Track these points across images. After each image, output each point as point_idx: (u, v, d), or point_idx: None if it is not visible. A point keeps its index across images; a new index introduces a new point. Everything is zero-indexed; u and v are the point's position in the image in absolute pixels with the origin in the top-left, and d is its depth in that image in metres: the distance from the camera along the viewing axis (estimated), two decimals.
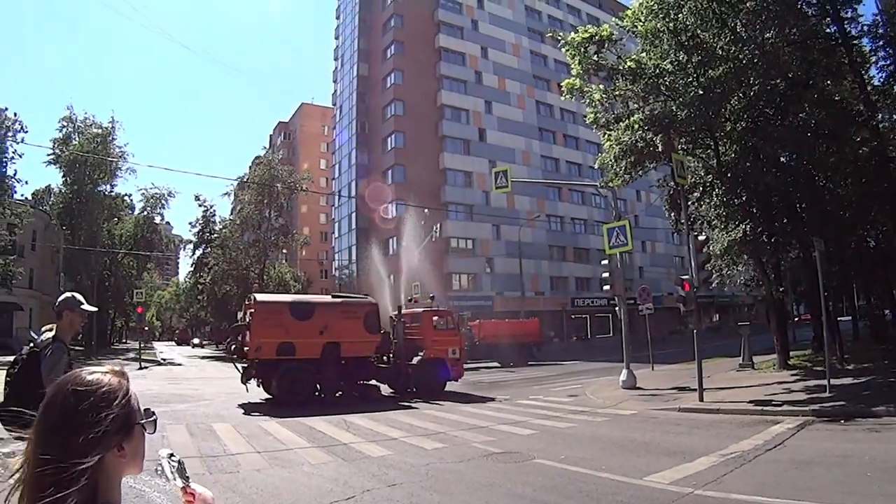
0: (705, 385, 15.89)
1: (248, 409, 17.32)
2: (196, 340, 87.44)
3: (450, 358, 21.67)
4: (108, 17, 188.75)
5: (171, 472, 2.03)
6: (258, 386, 19.16)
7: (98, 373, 1.57)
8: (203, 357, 54.99)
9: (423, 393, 20.36)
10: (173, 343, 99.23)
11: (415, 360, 21.06)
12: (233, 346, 20.38)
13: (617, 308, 22.98)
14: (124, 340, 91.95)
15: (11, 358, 4.93)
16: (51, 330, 4.81)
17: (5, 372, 4.67)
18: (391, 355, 21.18)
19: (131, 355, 40.43)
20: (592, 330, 62.67)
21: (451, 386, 21.96)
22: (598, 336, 60.46)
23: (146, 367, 36.56)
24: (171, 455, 2.17)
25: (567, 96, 24.01)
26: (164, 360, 47.70)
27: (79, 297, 4.96)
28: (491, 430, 13.19)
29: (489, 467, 9.80)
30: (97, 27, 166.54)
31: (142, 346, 42.58)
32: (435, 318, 22.29)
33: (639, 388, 19.49)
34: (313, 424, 14.03)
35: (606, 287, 22.18)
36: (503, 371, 33.38)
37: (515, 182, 26.11)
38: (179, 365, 42.81)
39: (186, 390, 23.69)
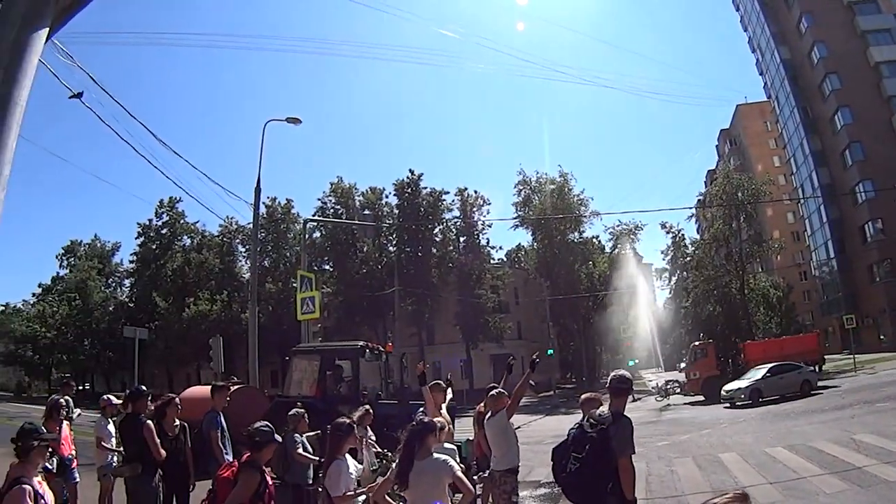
0: None
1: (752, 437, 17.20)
2: (682, 364, 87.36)
3: None
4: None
5: None
6: None
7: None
8: None
9: None
10: (660, 369, 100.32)
11: None
12: None
13: None
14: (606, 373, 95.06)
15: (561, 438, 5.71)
16: (600, 405, 5.64)
17: (561, 448, 5.30)
18: None
19: None
20: None
21: None
22: None
23: (638, 399, 37.01)
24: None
25: None
26: (654, 388, 48.34)
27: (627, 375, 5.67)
28: None
29: None
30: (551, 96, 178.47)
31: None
32: None
33: None
34: (822, 447, 13.39)
35: None
36: None
37: None
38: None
39: (685, 416, 24.39)
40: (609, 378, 5.39)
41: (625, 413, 5.19)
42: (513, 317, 56.42)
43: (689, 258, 57.91)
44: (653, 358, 48.65)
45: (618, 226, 58.40)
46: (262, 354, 24.61)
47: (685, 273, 58.79)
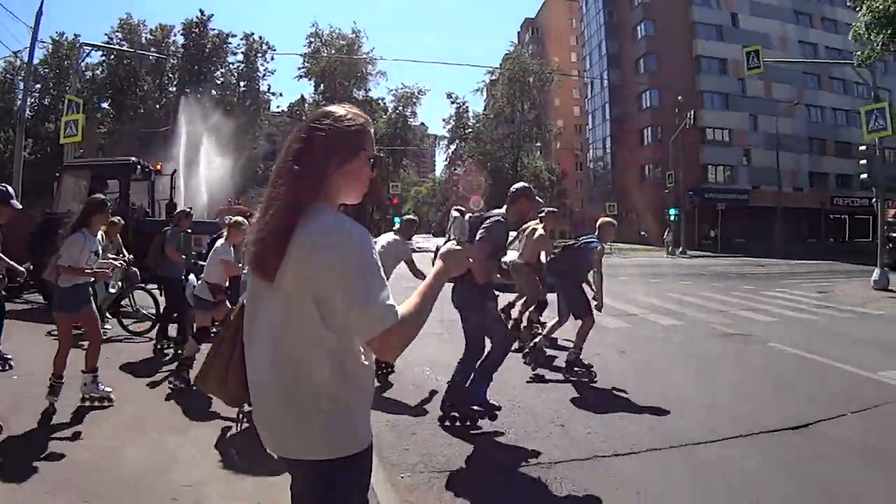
0: None
1: None
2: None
3: None
4: None
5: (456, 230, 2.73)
6: None
7: (346, 106, 1.84)
8: None
9: None
10: (430, 235, 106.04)
11: None
12: None
13: (874, 200, 21.75)
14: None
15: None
16: None
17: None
18: None
19: None
20: (851, 233, 55.53)
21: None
22: (857, 240, 52.58)
23: None
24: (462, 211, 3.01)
25: None
26: (419, 248, 51.41)
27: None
28: (730, 314, 13.33)
29: (721, 345, 10.04)
30: None
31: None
32: None
33: (891, 290, 18.12)
34: None
35: (864, 175, 20.06)
36: (752, 265, 32.18)
37: (774, 69, 23.72)
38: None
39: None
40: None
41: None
42: None
43: (469, 129, 60.84)
44: None
45: (401, 88, 59.92)
46: (39, 195, 24.34)
47: (463, 143, 61.91)
